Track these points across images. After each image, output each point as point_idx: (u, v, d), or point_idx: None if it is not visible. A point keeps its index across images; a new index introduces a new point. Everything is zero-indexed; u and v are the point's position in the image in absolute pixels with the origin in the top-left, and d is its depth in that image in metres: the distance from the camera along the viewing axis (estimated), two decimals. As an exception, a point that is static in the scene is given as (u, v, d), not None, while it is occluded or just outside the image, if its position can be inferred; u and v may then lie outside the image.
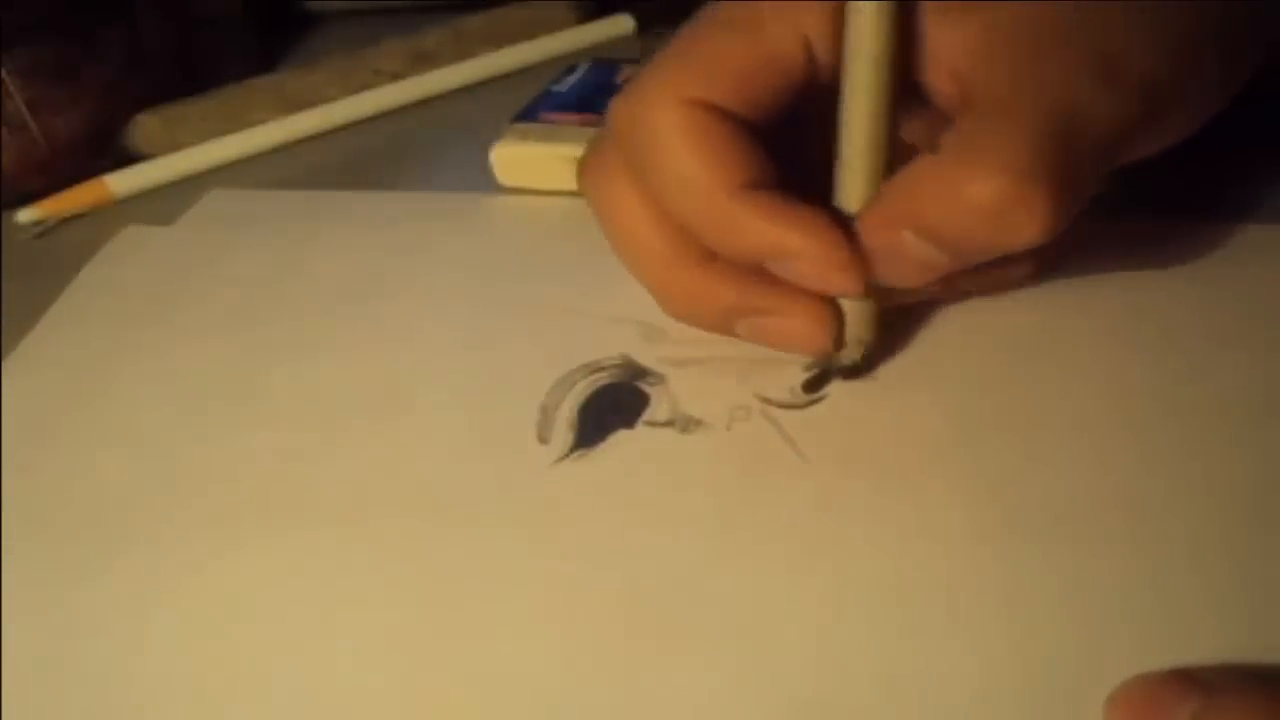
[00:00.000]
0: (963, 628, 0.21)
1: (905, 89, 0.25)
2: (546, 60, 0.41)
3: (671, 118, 0.24)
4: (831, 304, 0.25)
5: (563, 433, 0.26)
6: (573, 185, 0.28)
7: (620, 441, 0.25)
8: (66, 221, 0.37)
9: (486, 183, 0.35)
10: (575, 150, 0.28)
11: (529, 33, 0.41)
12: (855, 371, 0.26)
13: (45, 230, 0.36)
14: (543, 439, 0.26)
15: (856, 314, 0.25)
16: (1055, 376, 0.25)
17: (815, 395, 0.26)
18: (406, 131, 0.40)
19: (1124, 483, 0.23)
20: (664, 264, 0.26)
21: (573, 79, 0.37)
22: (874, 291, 0.25)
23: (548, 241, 0.32)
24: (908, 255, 0.23)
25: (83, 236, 0.35)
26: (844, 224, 0.24)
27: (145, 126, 0.39)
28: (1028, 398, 0.25)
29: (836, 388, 0.26)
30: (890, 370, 0.26)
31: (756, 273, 0.25)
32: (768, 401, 0.26)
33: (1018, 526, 0.22)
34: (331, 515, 0.24)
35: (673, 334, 0.27)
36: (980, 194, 0.22)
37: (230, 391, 0.28)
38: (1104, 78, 0.23)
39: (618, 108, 0.25)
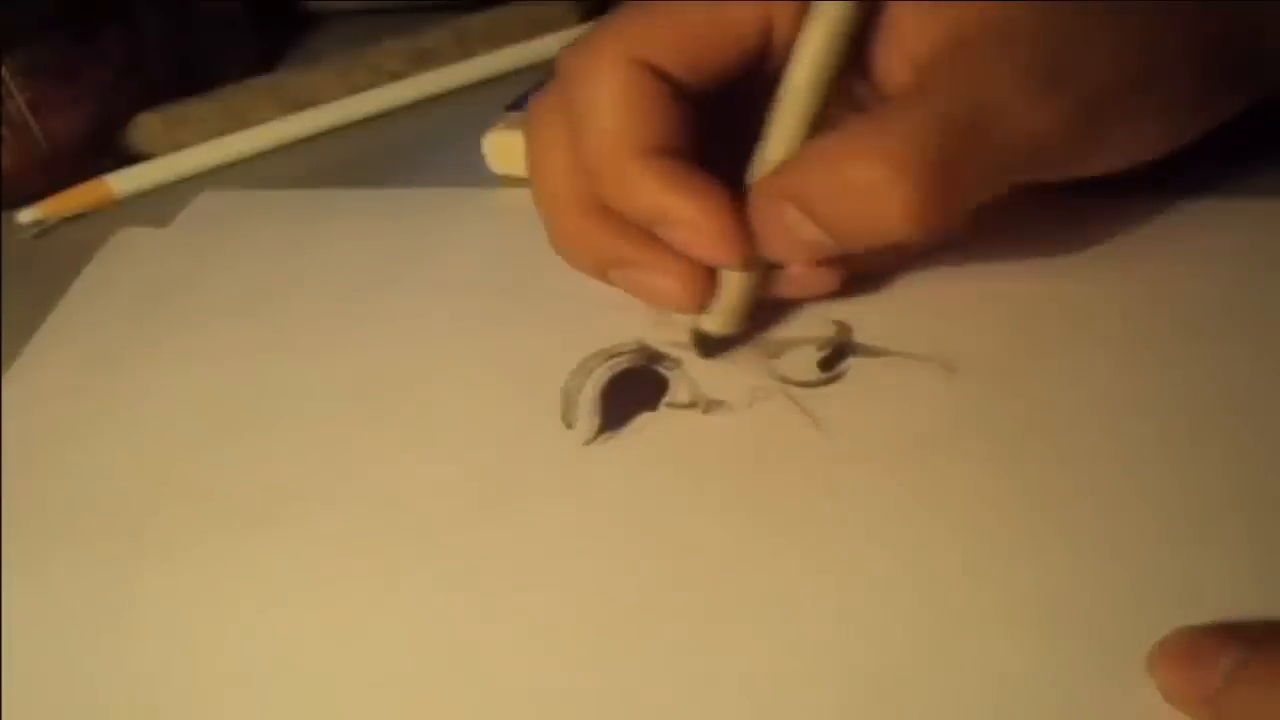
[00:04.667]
0: (986, 607, 0.21)
1: (861, 73, 0.25)
2: (546, 60, 0.41)
3: (609, 72, 0.25)
4: (707, 271, 0.26)
5: (587, 416, 0.26)
6: None
7: (645, 423, 0.25)
8: (66, 221, 0.37)
9: (486, 182, 0.35)
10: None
11: (529, 32, 0.42)
12: (714, 347, 0.27)
13: (45, 230, 0.36)
14: (568, 423, 0.26)
15: (734, 286, 0.26)
16: (1073, 360, 0.26)
17: (833, 372, 0.26)
18: (406, 131, 0.40)
19: (1143, 465, 0.23)
20: (562, 204, 0.27)
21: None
22: (760, 270, 0.25)
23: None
24: (789, 230, 0.24)
25: (83, 236, 0.35)
26: (741, 201, 0.25)
27: (145, 126, 0.39)
28: (1044, 378, 0.25)
29: (854, 365, 0.26)
30: (907, 346, 0.26)
31: (642, 231, 0.26)
32: (786, 380, 0.26)
33: (1035, 503, 0.22)
34: (349, 511, 0.24)
35: (681, 320, 0.27)
36: (855, 178, 0.22)
37: (236, 391, 0.28)
38: (1040, 83, 0.23)
39: (568, 52, 0.26)
